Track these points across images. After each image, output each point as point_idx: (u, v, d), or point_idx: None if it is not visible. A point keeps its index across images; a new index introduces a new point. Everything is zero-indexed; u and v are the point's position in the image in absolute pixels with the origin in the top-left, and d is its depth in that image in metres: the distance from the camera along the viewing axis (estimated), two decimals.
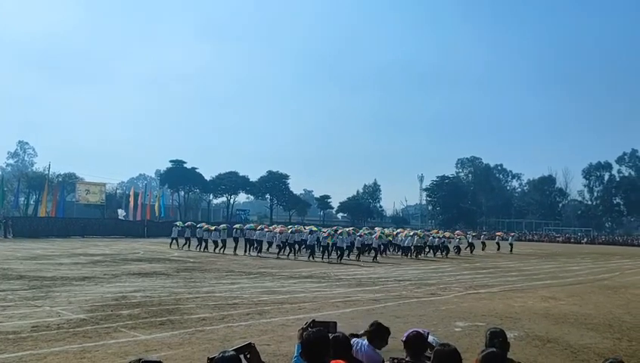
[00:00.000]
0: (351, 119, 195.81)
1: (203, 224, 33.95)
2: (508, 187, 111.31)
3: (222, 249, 28.89)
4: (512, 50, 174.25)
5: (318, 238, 28.28)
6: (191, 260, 23.63)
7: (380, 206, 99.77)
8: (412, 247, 30.53)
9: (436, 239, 32.67)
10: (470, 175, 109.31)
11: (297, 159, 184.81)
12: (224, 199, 78.65)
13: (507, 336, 4.04)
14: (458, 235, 37.03)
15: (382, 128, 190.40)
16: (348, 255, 26.77)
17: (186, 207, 74.92)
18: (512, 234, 48.78)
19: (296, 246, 27.99)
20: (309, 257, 26.36)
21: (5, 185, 54.32)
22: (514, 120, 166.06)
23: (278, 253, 27.54)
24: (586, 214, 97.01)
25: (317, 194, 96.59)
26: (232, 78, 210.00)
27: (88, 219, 49.17)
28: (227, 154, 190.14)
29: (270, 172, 79.75)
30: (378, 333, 4.19)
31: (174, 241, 32.01)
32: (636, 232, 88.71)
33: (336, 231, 27.72)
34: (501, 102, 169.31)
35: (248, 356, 2.64)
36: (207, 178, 74.29)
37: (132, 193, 59.25)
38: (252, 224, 33.37)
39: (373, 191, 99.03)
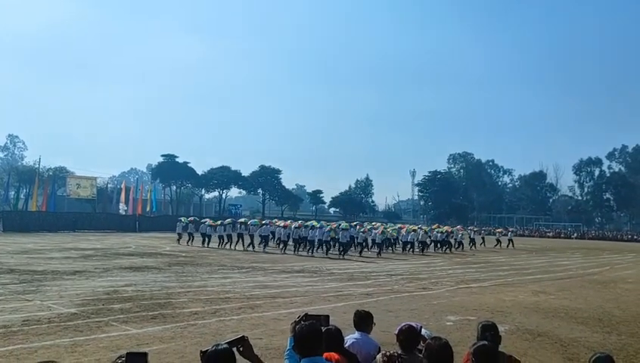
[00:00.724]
0: (344, 115, 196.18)
1: (207, 219, 33.65)
2: (500, 183, 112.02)
3: (229, 244, 28.49)
4: (505, 46, 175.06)
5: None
6: (183, 254, 23.56)
7: (373, 201, 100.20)
8: (417, 242, 30.56)
9: (439, 234, 32.83)
10: (462, 171, 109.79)
11: (290, 154, 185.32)
12: (216, 193, 78.44)
13: (499, 329, 4.07)
14: (458, 230, 37.00)
15: (374, 123, 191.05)
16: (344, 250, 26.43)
17: (178, 202, 74.57)
18: (511, 229, 49.02)
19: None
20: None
21: None
22: (506, 116, 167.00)
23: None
24: (576, 209, 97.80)
25: (309, 189, 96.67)
26: (225, 73, 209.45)
27: (79, 213, 48.80)
28: (219, 149, 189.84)
29: (262, 167, 79.52)
30: (362, 320, 4.28)
31: (180, 237, 31.62)
32: (626, 227, 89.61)
33: (339, 225, 27.68)
34: (494, 98, 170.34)
35: (241, 349, 2.63)
36: (199, 172, 73.96)
37: (123, 187, 58.95)
38: (256, 220, 33.00)
39: (365, 186, 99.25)
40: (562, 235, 73.51)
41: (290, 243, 27.61)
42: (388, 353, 3.56)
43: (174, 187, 74.66)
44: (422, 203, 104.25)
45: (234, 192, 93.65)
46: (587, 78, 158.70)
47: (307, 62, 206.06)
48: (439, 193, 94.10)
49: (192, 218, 35.47)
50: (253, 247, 27.65)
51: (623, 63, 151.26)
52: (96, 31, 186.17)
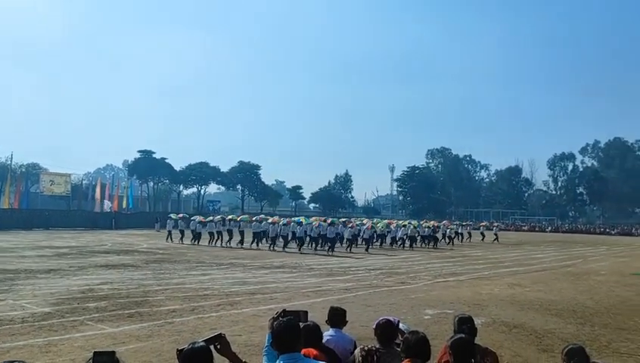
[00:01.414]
0: (323, 110, 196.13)
1: (197, 216, 33.12)
2: (477, 178, 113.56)
3: (220, 241, 28.05)
4: (482, 43, 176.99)
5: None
6: (160, 252, 23.30)
7: (352, 197, 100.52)
8: (406, 237, 30.73)
9: (426, 229, 33.10)
10: (440, 166, 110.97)
11: (269, 149, 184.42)
12: (194, 190, 77.76)
13: (475, 322, 4.12)
14: (445, 226, 37.37)
15: (353, 119, 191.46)
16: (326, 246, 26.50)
17: (155, 198, 73.61)
18: (496, 224, 49.64)
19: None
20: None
21: None
22: (483, 112, 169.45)
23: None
24: (551, 203, 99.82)
25: (289, 185, 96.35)
26: (202, 67, 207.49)
27: (52, 211, 47.87)
28: (197, 145, 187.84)
29: (241, 163, 79.03)
30: (335, 317, 4.30)
31: (170, 234, 31.05)
32: (598, 221, 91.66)
33: (332, 222, 27.73)
34: (471, 94, 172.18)
35: (218, 347, 2.61)
36: (177, 168, 73.02)
37: (98, 183, 57.88)
38: (246, 217, 32.53)
39: (344, 182, 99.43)
40: (537, 229, 74.89)
41: (280, 240, 27.22)
42: (366, 348, 3.57)
43: (151, 184, 73.66)
44: (401, 198, 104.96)
45: (212, 188, 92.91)
46: (562, 75, 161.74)
47: (286, 57, 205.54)
48: (417, 189, 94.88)
49: (182, 215, 35.03)
50: (242, 244, 27.36)
51: (597, 60, 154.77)
52: (68, 24, 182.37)
